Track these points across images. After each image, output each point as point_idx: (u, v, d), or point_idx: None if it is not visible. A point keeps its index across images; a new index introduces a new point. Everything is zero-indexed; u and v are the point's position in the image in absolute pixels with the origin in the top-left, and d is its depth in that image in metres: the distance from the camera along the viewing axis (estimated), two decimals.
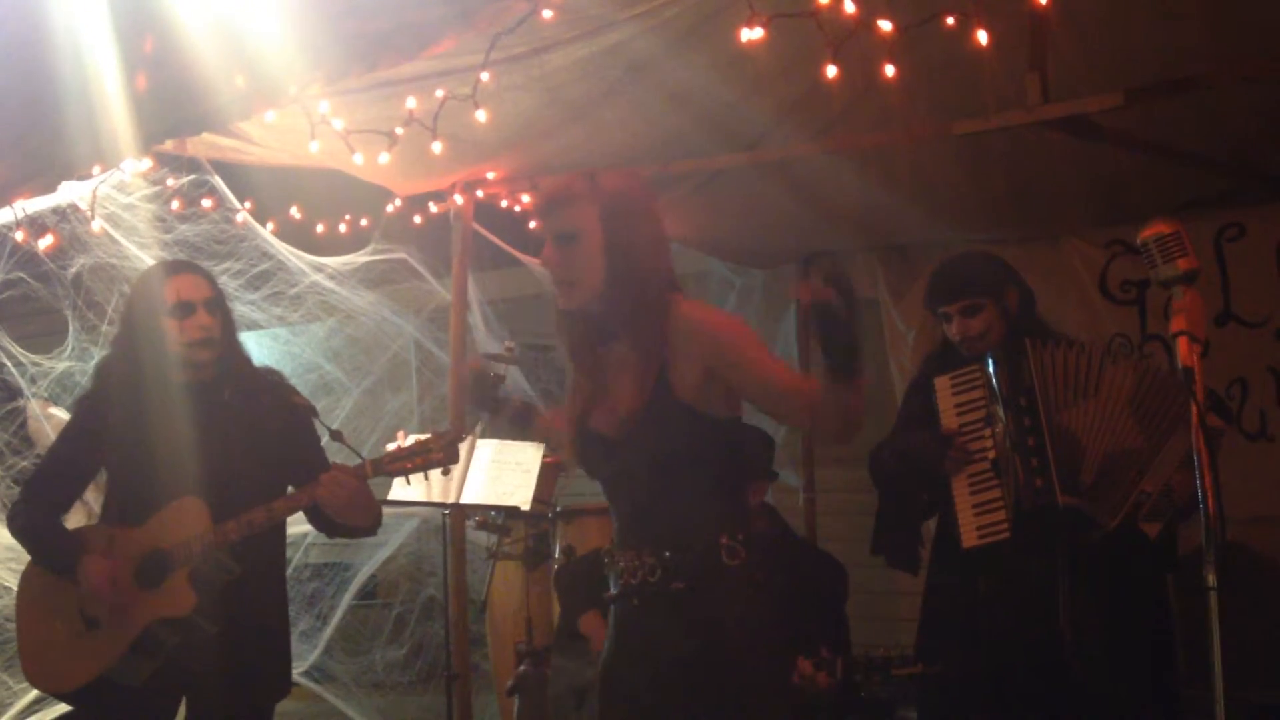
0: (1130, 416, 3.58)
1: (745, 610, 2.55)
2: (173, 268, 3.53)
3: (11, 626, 4.10)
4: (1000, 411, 3.64)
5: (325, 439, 3.63)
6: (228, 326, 3.51)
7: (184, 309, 3.39)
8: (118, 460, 3.48)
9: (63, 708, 4.61)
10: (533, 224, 2.75)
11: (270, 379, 3.59)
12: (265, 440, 3.42)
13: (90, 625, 3.37)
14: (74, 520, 3.70)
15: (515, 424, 2.95)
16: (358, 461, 3.40)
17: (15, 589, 3.57)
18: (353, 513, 3.37)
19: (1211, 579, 2.48)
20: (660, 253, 2.66)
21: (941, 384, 3.80)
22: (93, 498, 4.23)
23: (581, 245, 2.57)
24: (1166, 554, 3.71)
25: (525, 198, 5.65)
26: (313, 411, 3.57)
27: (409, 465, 3.39)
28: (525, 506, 5.09)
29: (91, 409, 3.54)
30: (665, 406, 2.51)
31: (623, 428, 2.57)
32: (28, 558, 3.54)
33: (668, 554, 2.54)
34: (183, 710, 3.47)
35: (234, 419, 3.41)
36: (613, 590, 2.66)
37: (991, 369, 3.67)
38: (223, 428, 3.39)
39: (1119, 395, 3.59)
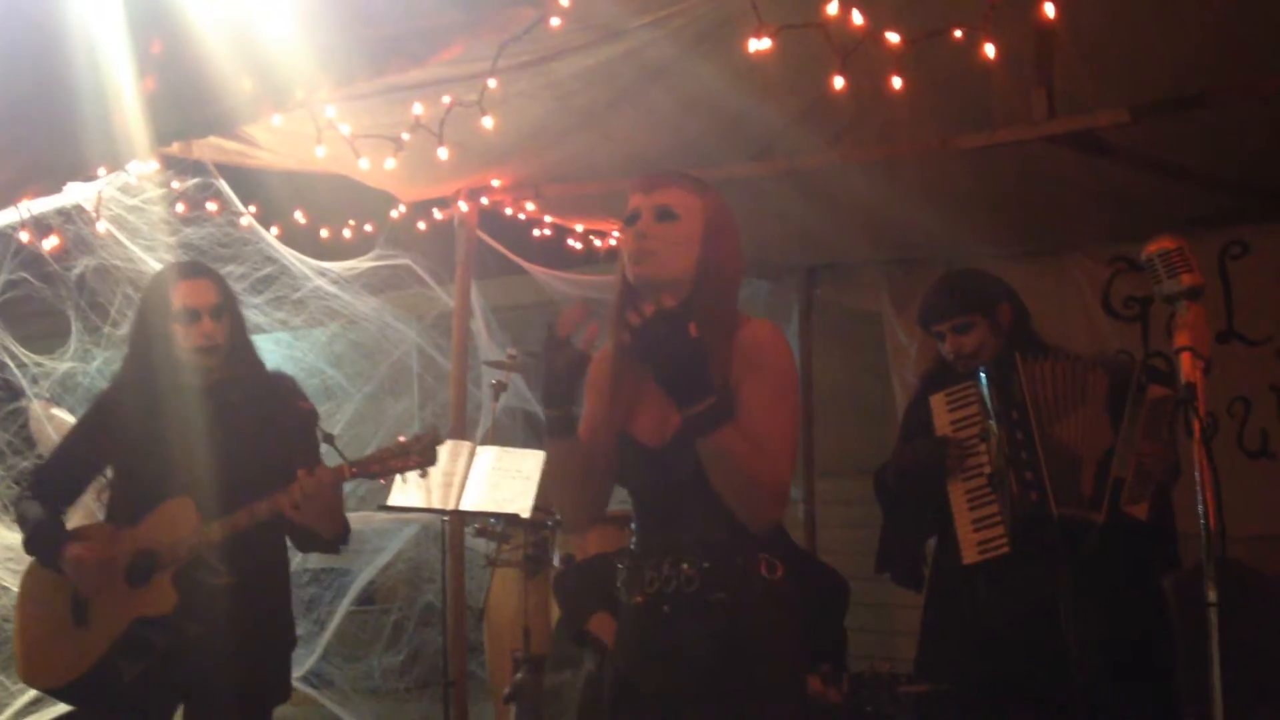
0: (1109, 418, 3.60)
1: (780, 625, 2.55)
2: (182, 271, 3.54)
3: (9, 627, 4.10)
4: (994, 426, 3.64)
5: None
6: (236, 331, 3.51)
7: (189, 315, 3.40)
8: (122, 459, 3.49)
9: (61, 708, 4.61)
10: (631, 199, 2.65)
11: (280, 383, 3.60)
12: (268, 444, 3.42)
13: (79, 621, 3.37)
14: (75, 521, 3.71)
15: (559, 416, 2.57)
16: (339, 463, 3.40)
17: (15, 589, 3.58)
18: (322, 519, 3.36)
19: (1212, 596, 2.47)
20: (739, 276, 2.69)
21: (937, 401, 3.81)
22: (92, 499, 4.23)
23: (680, 227, 2.58)
24: (1167, 549, 3.72)
25: (529, 205, 5.67)
26: (314, 416, 3.57)
27: (387, 467, 3.40)
28: (525, 514, 5.08)
29: (104, 407, 3.57)
30: None
31: (673, 436, 2.53)
32: (28, 558, 3.54)
33: (707, 564, 2.52)
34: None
35: (238, 422, 3.41)
36: (633, 596, 2.62)
37: (984, 384, 3.68)
38: (225, 430, 3.39)
39: (1100, 400, 3.61)
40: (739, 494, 2.47)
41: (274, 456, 3.42)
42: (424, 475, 3.49)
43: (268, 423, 3.45)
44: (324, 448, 3.52)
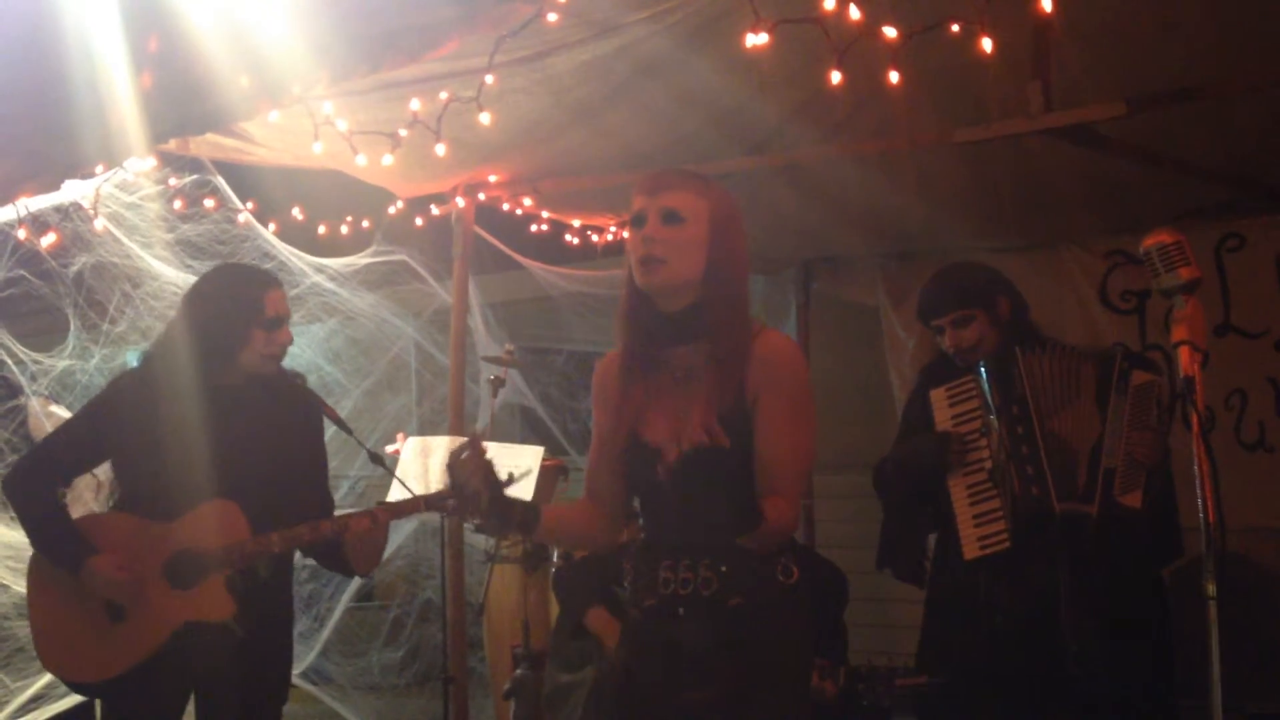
0: (1097, 409, 3.61)
1: (793, 629, 2.56)
2: (268, 280, 3.61)
3: (9, 625, 4.08)
4: (994, 421, 3.64)
5: (350, 454, 3.66)
6: None
7: (277, 323, 3.50)
8: (145, 451, 3.39)
9: (57, 706, 4.60)
10: (635, 200, 2.61)
11: (296, 382, 3.64)
12: (292, 443, 3.46)
13: (115, 617, 3.31)
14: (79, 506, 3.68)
15: (516, 528, 2.56)
16: (397, 491, 3.58)
17: (12, 587, 3.55)
18: (368, 558, 3.47)
19: (1211, 589, 2.48)
20: (746, 273, 2.67)
21: (937, 396, 3.80)
22: (87, 489, 4.21)
23: (687, 229, 2.54)
24: (1169, 540, 3.72)
25: (526, 200, 5.67)
26: (343, 427, 3.68)
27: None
28: None
29: (121, 399, 3.48)
30: (736, 422, 2.47)
31: (690, 449, 2.46)
32: (26, 555, 3.47)
33: (724, 568, 2.52)
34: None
35: (265, 420, 3.44)
36: (645, 598, 2.60)
37: (984, 379, 3.68)
38: (255, 428, 3.41)
39: (1090, 391, 3.63)
40: (757, 542, 2.51)
41: (297, 455, 3.48)
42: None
43: (292, 421, 3.51)
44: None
